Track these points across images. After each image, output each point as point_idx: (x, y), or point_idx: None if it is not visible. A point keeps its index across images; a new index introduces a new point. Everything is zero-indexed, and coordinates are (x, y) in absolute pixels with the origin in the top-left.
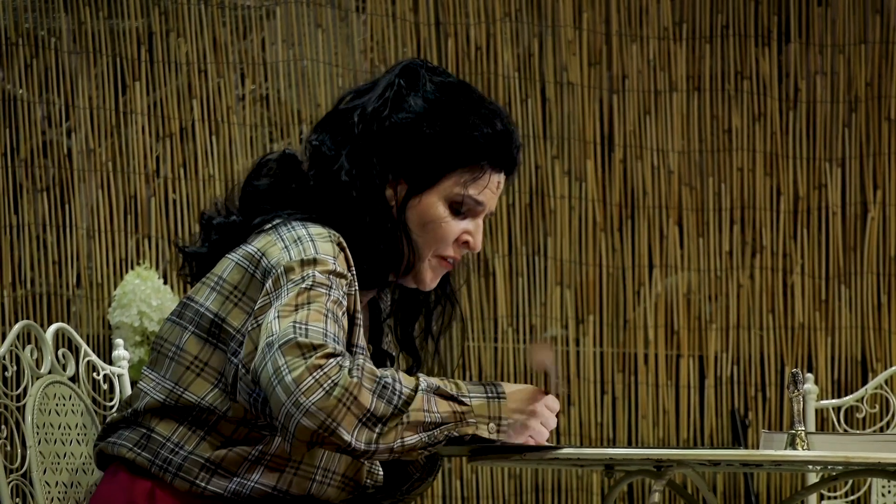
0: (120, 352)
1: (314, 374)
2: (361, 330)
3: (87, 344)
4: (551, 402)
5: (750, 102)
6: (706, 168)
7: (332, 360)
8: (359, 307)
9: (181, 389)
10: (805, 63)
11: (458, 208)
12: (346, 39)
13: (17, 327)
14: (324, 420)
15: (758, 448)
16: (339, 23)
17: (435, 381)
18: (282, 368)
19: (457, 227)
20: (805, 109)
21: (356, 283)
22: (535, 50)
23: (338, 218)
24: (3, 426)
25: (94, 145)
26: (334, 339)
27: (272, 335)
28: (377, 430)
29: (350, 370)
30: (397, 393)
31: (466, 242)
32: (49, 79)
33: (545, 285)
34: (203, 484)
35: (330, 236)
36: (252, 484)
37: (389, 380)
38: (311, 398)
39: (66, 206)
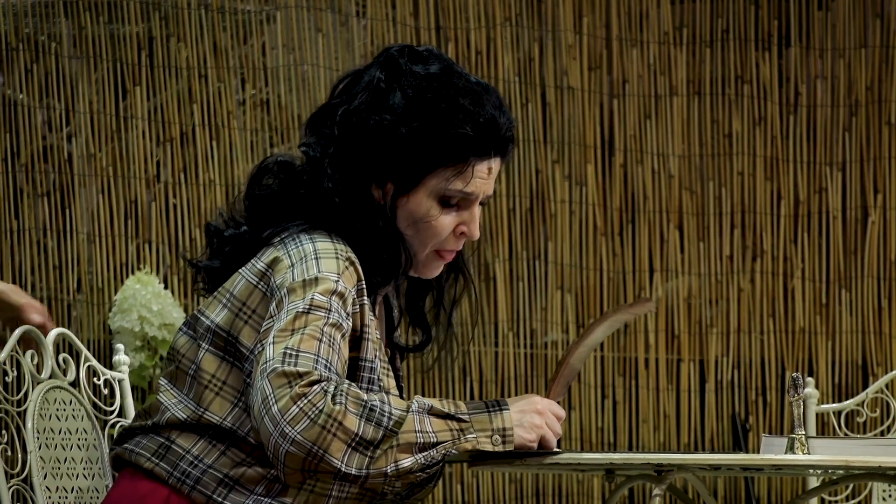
0: (120, 357)
1: (298, 402)
2: (371, 344)
3: (88, 349)
4: (556, 408)
5: (750, 107)
6: (707, 172)
7: (315, 387)
8: (367, 321)
9: (202, 410)
10: (805, 67)
11: (448, 202)
12: (346, 44)
13: (17, 332)
14: (310, 448)
15: (758, 452)
16: (339, 27)
17: (429, 401)
18: (269, 398)
19: (449, 221)
20: (805, 114)
21: (366, 297)
22: (535, 54)
23: (338, 223)
24: (3, 431)
25: (95, 150)
26: (325, 365)
27: (265, 362)
28: (368, 453)
29: (334, 396)
30: (386, 415)
31: (463, 233)
32: (49, 84)
33: (546, 290)
34: (220, 499)
35: (336, 252)
36: (268, 501)
37: (377, 403)
38: (296, 427)
39: (67, 211)
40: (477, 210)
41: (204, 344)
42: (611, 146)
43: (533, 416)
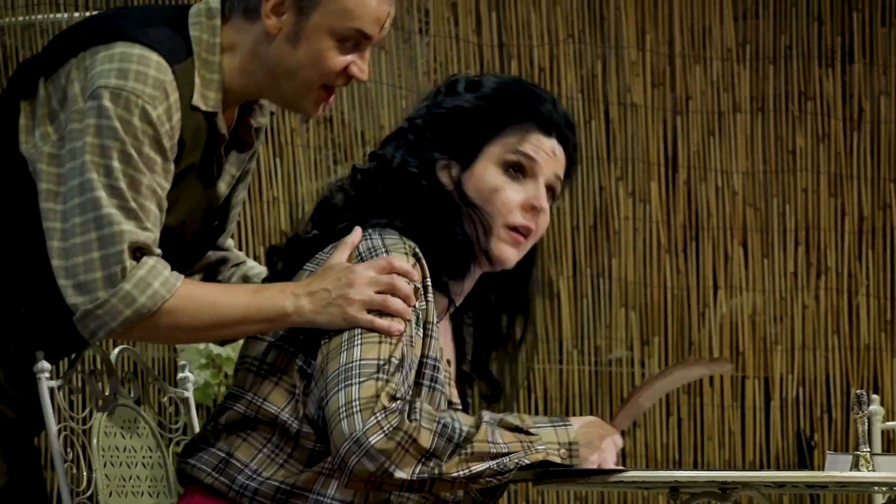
0: (185, 374)
1: (377, 415)
2: (435, 342)
3: (153, 367)
4: (617, 437)
5: (814, 123)
6: (770, 189)
7: (396, 402)
8: (432, 318)
9: (260, 400)
10: (869, 83)
11: (516, 168)
12: (409, 61)
13: (82, 351)
14: (382, 462)
15: (823, 470)
16: (402, 45)
17: (498, 415)
18: (352, 404)
19: (516, 193)
20: (869, 129)
21: (431, 294)
22: (598, 71)
23: (412, 215)
24: (69, 449)
25: None
26: (402, 374)
27: (350, 363)
28: (439, 466)
29: (409, 413)
30: (458, 431)
31: (533, 207)
32: None
33: (610, 307)
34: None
35: (405, 247)
36: (328, 500)
37: (449, 420)
38: (371, 439)
39: None
40: (543, 189)
41: (269, 337)
42: (674, 163)
43: (596, 438)
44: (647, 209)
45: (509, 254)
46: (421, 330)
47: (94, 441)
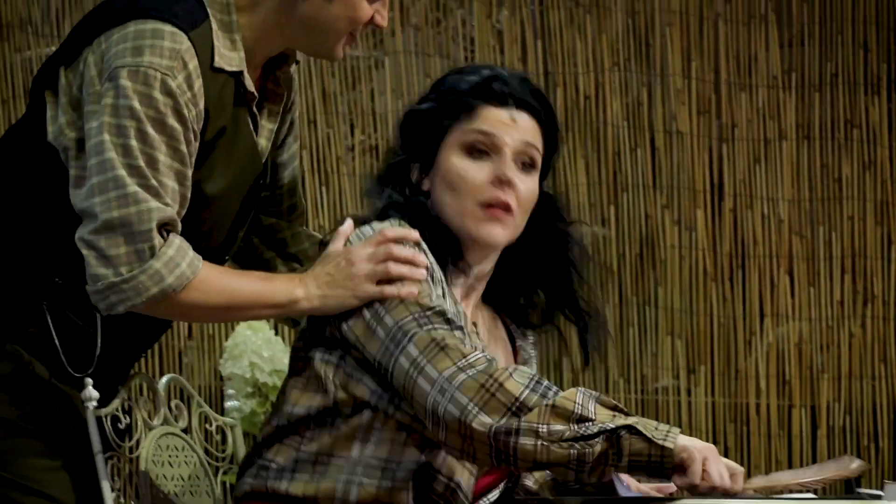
0: (232, 403)
1: (458, 362)
2: (449, 298)
3: (199, 395)
4: (729, 464)
5: (860, 151)
6: (817, 217)
7: (476, 352)
8: (441, 276)
9: (290, 406)
10: None
11: (476, 149)
12: None
13: (130, 379)
14: (465, 405)
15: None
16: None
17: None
18: (417, 361)
19: (481, 171)
20: None
21: (429, 253)
22: (643, 99)
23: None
24: (117, 477)
25: None
26: (445, 319)
27: (389, 331)
28: (523, 414)
29: (497, 363)
30: (552, 390)
31: (500, 180)
32: None
33: (656, 335)
34: (319, 475)
35: (391, 223)
36: (366, 458)
37: (545, 380)
38: (454, 382)
39: None
40: (509, 161)
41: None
42: (720, 191)
43: (700, 447)
44: (693, 237)
45: (492, 231)
46: (438, 286)
47: (142, 469)
